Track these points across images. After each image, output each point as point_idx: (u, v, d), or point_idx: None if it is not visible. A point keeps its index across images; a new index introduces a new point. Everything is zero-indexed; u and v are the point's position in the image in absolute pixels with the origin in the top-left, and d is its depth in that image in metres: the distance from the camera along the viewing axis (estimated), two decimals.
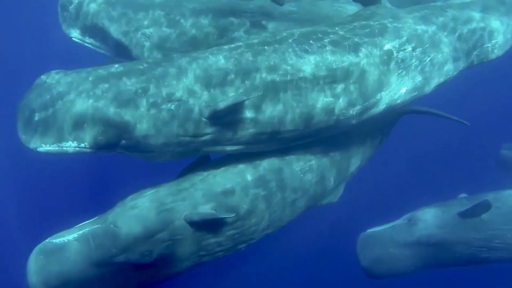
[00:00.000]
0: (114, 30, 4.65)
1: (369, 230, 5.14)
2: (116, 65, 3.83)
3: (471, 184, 5.43)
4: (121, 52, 4.74)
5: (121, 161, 4.53)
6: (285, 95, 3.77)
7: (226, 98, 3.65)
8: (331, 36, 3.96)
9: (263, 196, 4.00)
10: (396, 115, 5.02)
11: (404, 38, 4.06)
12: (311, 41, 3.91)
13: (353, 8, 4.82)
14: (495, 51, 4.61)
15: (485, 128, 7.47)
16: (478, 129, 7.51)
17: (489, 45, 4.55)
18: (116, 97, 3.59)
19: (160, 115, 3.62)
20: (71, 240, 3.60)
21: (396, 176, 5.91)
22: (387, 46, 3.99)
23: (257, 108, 3.75)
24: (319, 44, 3.89)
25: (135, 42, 4.59)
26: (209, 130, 3.75)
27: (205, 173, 3.99)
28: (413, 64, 4.06)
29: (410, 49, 4.05)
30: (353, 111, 3.93)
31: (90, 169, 6.40)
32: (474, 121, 7.41)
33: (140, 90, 3.62)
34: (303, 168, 4.25)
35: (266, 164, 4.10)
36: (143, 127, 3.62)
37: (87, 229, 3.66)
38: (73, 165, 6.04)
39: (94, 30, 4.79)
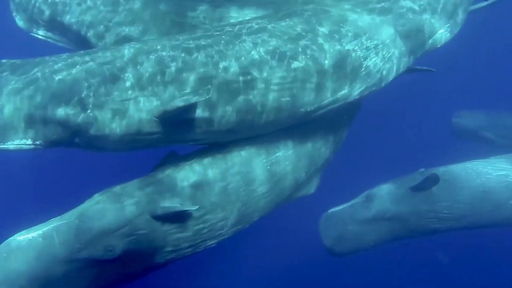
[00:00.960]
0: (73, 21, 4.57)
1: (330, 210, 5.39)
2: (62, 60, 3.76)
3: (431, 157, 5.71)
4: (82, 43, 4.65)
5: (100, 157, 4.58)
6: (239, 95, 3.81)
7: (177, 98, 3.64)
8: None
9: (230, 189, 4.00)
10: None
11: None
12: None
13: None
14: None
15: (439, 99, 7.81)
16: (433, 101, 7.86)
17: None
18: (63, 98, 3.58)
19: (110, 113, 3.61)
20: (35, 237, 3.57)
21: (356, 155, 6.16)
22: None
23: (211, 107, 3.77)
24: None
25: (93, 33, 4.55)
26: (160, 129, 3.74)
27: (171, 168, 3.99)
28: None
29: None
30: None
31: (65, 165, 6.45)
32: (429, 93, 7.73)
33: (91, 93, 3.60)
34: (269, 160, 4.25)
35: (232, 157, 4.11)
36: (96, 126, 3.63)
37: (52, 225, 3.64)
38: (49, 161, 6.12)
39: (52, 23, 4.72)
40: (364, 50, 4.16)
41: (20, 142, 3.64)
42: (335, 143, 4.96)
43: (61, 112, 3.60)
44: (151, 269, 3.96)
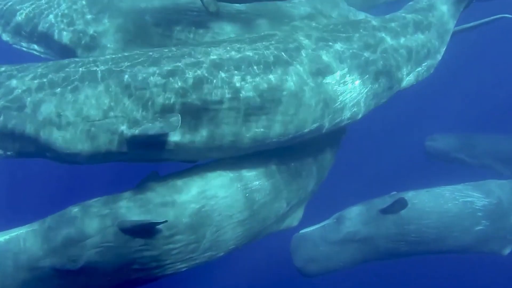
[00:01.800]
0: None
1: (301, 231, 5.42)
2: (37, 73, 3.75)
3: (403, 180, 5.81)
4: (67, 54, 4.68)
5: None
6: (213, 119, 3.78)
7: (148, 125, 3.58)
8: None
9: (203, 212, 3.88)
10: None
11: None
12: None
13: (305, 9, 4.82)
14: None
15: (413, 123, 7.98)
16: (406, 124, 8.04)
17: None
18: (35, 114, 3.58)
19: (78, 135, 3.61)
20: (1, 241, 3.60)
21: (329, 177, 6.27)
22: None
23: (183, 133, 3.73)
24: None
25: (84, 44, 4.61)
26: (132, 149, 3.71)
27: (148, 186, 3.94)
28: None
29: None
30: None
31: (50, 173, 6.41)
32: (403, 118, 7.90)
33: (60, 111, 3.59)
34: (248, 187, 4.12)
35: (210, 179, 4.02)
36: (63, 146, 3.61)
37: (22, 231, 3.65)
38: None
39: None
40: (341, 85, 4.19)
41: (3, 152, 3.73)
42: (319, 174, 4.84)
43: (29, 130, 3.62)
44: (116, 287, 3.84)
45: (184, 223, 3.80)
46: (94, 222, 3.65)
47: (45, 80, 3.70)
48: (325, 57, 4.21)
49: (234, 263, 6.29)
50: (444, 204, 5.37)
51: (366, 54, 4.38)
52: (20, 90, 3.64)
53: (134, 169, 4.20)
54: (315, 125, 4.14)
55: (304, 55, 4.14)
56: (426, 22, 4.96)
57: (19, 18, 4.79)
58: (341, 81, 4.20)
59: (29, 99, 3.62)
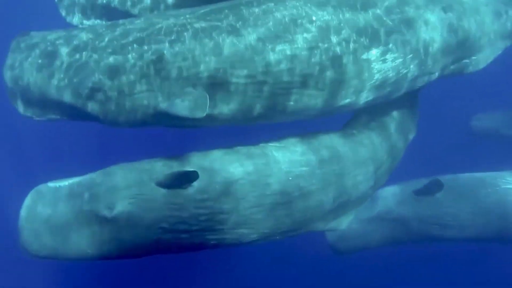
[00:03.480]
0: None
1: None
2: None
3: (446, 164, 5.62)
4: None
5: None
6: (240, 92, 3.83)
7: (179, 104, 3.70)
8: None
9: (239, 184, 3.85)
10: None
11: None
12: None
13: None
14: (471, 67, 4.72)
15: (456, 103, 7.64)
16: (450, 105, 7.70)
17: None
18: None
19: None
20: (62, 186, 3.92)
21: None
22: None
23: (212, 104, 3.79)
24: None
25: None
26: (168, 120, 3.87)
27: (188, 155, 4.00)
28: None
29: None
30: None
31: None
32: (445, 97, 7.56)
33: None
34: (293, 171, 4.00)
35: (251, 154, 4.01)
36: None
37: (79, 179, 3.94)
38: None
39: None
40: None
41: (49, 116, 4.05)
42: (379, 177, 4.59)
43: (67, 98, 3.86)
44: (144, 246, 3.90)
45: (216, 190, 3.81)
46: (133, 174, 3.83)
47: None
48: None
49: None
50: (483, 189, 5.19)
51: None
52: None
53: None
54: None
55: None
56: None
57: None
58: None
59: None
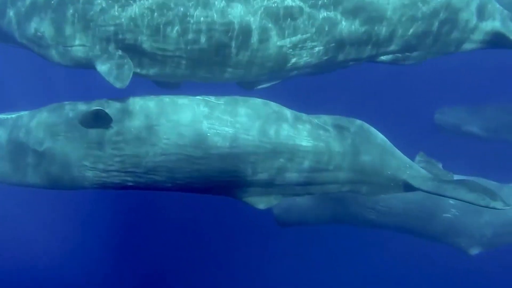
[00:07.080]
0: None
1: None
2: None
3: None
4: None
5: None
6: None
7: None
8: None
9: (153, 129, 3.97)
10: None
11: None
12: None
13: None
14: None
15: (421, 94, 7.75)
16: (414, 97, 7.82)
17: None
18: None
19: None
20: (10, 117, 4.37)
21: None
22: None
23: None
24: None
25: None
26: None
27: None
28: None
29: None
30: None
31: None
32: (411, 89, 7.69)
33: None
34: (214, 128, 3.99)
35: (179, 105, 4.08)
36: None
37: (23, 113, 4.35)
38: None
39: None
40: None
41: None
42: (316, 179, 4.23)
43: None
44: (72, 180, 4.15)
45: (131, 134, 3.97)
46: (63, 112, 4.16)
47: None
48: None
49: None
50: None
51: None
52: None
53: None
54: None
55: None
56: None
57: None
58: None
59: None
